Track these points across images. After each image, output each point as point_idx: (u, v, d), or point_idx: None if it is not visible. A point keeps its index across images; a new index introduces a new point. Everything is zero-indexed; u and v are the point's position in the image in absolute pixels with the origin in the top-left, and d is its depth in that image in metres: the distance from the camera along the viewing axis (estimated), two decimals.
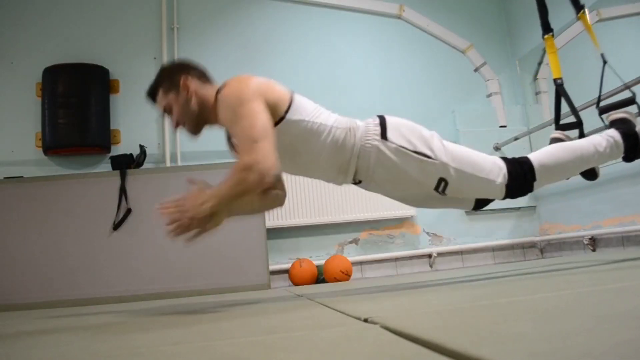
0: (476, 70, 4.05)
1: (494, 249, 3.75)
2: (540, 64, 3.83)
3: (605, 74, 1.94)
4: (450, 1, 4.13)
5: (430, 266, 3.65)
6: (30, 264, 2.83)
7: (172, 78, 1.51)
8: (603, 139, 1.62)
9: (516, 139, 3.65)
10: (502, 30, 4.17)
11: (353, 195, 3.51)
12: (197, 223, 1.32)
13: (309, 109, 1.47)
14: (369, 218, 3.54)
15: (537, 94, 3.91)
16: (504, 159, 1.57)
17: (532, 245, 3.80)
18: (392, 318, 0.82)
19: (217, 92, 1.48)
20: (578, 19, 2.03)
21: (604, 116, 1.80)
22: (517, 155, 1.62)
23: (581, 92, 2.06)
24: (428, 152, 1.47)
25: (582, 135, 1.85)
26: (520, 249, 3.79)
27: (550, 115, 2.07)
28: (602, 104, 1.87)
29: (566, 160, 1.57)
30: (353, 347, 0.63)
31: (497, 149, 3.79)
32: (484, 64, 4.04)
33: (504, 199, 1.56)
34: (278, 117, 1.41)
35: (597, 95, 1.95)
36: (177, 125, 1.53)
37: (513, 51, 4.10)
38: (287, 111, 1.42)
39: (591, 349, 0.45)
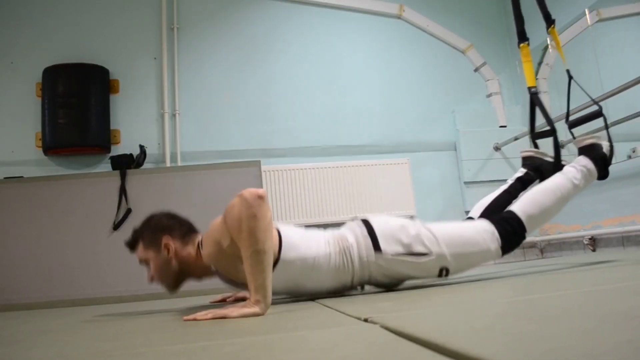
0: (476, 70, 4.05)
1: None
2: (540, 64, 3.83)
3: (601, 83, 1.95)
4: (450, 1, 4.13)
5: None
6: (30, 264, 2.83)
7: (154, 235, 1.50)
8: (577, 171, 1.69)
9: (516, 139, 3.65)
10: (502, 30, 4.17)
11: (353, 195, 3.51)
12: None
13: (299, 243, 1.44)
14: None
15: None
16: (491, 220, 1.59)
17: (532, 245, 3.80)
18: (392, 318, 0.82)
19: (199, 246, 1.48)
20: (548, 33, 2.04)
21: (575, 139, 1.84)
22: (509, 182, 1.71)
23: (581, 92, 2.06)
24: (422, 250, 1.49)
25: (556, 143, 1.86)
26: (520, 248, 3.79)
27: (550, 115, 2.07)
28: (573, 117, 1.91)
29: (549, 204, 1.63)
30: (353, 347, 0.63)
31: (497, 149, 3.80)
32: (484, 64, 4.04)
33: (501, 257, 1.60)
34: (274, 259, 1.35)
35: (591, 95, 1.96)
36: (151, 280, 1.52)
37: (513, 51, 4.10)
38: (279, 251, 1.40)
39: (591, 349, 0.45)
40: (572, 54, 3.24)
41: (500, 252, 1.56)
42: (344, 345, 0.64)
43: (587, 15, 3.14)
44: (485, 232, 1.55)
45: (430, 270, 1.51)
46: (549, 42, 3.48)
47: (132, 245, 1.54)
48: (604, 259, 2.05)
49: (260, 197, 1.21)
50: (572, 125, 1.89)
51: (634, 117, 2.59)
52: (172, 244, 1.49)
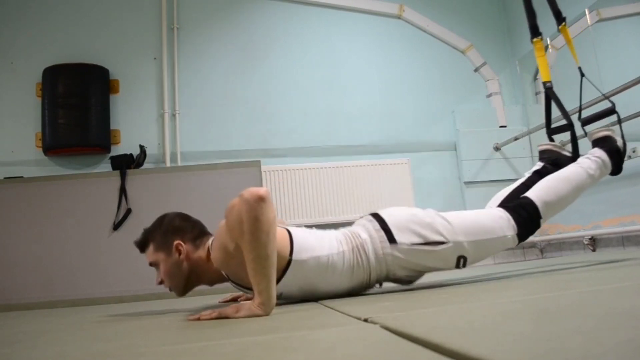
0: (476, 70, 4.05)
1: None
2: None
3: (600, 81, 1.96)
4: (450, 1, 4.13)
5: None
6: (30, 264, 2.83)
7: (165, 238, 1.47)
8: (592, 162, 1.68)
9: (516, 139, 3.65)
10: (502, 30, 4.17)
11: (353, 195, 3.51)
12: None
13: (311, 243, 1.41)
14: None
15: (537, 94, 3.91)
16: (506, 207, 1.58)
17: (532, 245, 3.80)
18: (392, 318, 0.82)
19: (209, 249, 1.46)
20: (559, 31, 2.03)
21: (588, 131, 1.85)
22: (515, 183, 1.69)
23: (583, 91, 2.06)
24: (439, 238, 1.45)
25: (574, 137, 1.86)
26: (520, 249, 3.79)
27: (555, 111, 2.06)
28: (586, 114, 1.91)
29: (565, 192, 1.62)
30: (353, 347, 0.63)
31: (497, 149, 3.80)
32: (484, 64, 4.04)
33: (517, 244, 1.58)
34: (285, 260, 1.34)
35: (595, 94, 1.96)
36: (161, 283, 1.49)
37: (513, 51, 4.10)
38: (291, 252, 1.36)
39: (591, 349, 0.45)
40: (569, 54, 3.24)
41: (516, 239, 1.54)
42: (344, 345, 0.64)
43: (587, 15, 3.14)
44: (500, 219, 1.53)
45: (448, 259, 1.47)
46: (549, 42, 3.47)
47: (142, 246, 1.51)
48: (604, 259, 2.05)
49: (262, 198, 1.16)
50: (585, 122, 1.88)
51: (634, 117, 2.59)
52: (183, 247, 1.46)
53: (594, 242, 3.20)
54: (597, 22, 3.15)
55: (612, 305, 0.73)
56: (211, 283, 1.53)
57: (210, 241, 1.48)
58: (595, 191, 3.11)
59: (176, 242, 1.46)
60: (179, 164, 3.44)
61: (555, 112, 2.03)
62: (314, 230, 1.51)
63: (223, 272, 1.45)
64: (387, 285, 1.94)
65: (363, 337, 0.71)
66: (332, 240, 1.45)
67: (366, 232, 1.49)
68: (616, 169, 1.73)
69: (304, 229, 1.49)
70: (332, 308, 1.16)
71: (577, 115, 1.96)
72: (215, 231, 1.41)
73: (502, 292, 1.20)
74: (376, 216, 1.52)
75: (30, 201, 2.91)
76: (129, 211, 2.94)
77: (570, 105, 2.02)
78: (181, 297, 1.53)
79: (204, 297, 2.48)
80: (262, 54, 3.75)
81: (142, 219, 2.96)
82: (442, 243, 1.45)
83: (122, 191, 2.97)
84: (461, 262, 1.49)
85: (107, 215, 2.93)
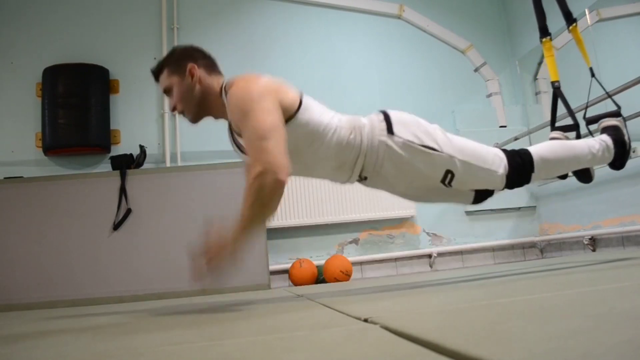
0: (476, 70, 4.05)
1: (494, 249, 3.75)
2: (540, 64, 3.83)
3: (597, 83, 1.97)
4: (450, 1, 4.13)
5: (430, 266, 3.65)
6: (30, 264, 2.83)
7: (179, 62, 1.50)
8: (596, 142, 1.69)
9: (516, 139, 3.64)
10: (502, 30, 4.17)
11: (353, 195, 3.51)
12: (222, 267, 1.28)
13: (316, 110, 1.45)
14: (369, 218, 3.54)
15: (537, 94, 3.91)
16: (504, 150, 1.60)
17: (532, 245, 3.80)
18: (392, 318, 0.82)
19: (223, 89, 1.47)
20: (569, 31, 2.04)
21: (592, 130, 1.88)
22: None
23: (582, 91, 2.06)
24: (434, 145, 1.48)
25: (578, 137, 1.89)
26: (520, 249, 3.79)
27: (550, 115, 2.07)
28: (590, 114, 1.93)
29: (563, 156, 1.63)
30: (353, 347, 0.63)
31: None
32: (484, 64, 4.04)
33: (502, 189, 1.59)
34: (287, 116, 1.38)
35: (597, 94, 1.97)
36: (174, 109, 1.51)
37: (513, 51, 4.10)
38: (296, 111, 1.39)
39: (591, 349, 0.45)
40: (572, 54, 3.24)
41: (504, 180, 1.55)
42: (344, 345, 0.65)
43: (587, 15, 3.14)
44: (496, 156, 1.56)
45: (436, 168, 1.49)
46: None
47: (157, 72, 1.53)
48: (604, 259, 2.05)
49: (280, 190, 1.26)
50: (590, 122, 1.90)
51: (634, 117, 2.59)
52: (197, 70, 1.49)
53: (594, 242, 3.20)
54: (597, 22, 3.15)
55: (612, 305, 0.73)
56: (217, 116, 1.55)
57: (223, 80, 1.52)
58: (596, 191, 3.12)
59: (190, 64, 1.49)
60: (179, 164, 3.44)
61: (558, 111, 2.04)
62: (323, 105, 1.52)
63: (228, 126, 1.51)
64: (387, 285, 1.94)
65: (363, 337, 0.71)
66: (333, 116, 1.49)
67: (368, 119, 1.52)
68: (619, 163, 1.73)
69: (313, 100, 1.50)
70: (332, 308, 1.16)
71: (581, 114, 1.97)
72: (236, 95, 1.40)
73: (502, 292, 1.20)
74: (384, 112, 1.55)
75: (30, 201, 2.91)
76: (129, 211, 2.94)
77: (571, 105, 2.02)
78: (193, 122, 1.54)
79: (206, 297, 2.48)
80: (262, 54, 3.75)
81: (142, 219, 2.98)
82: (436, 150, 1.48)
83: (122, 191, 2.97)
84: (448, 177, 1.51)
85: (107, 215, 2.93)
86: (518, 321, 0.69)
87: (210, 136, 3.58)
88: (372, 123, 1.50)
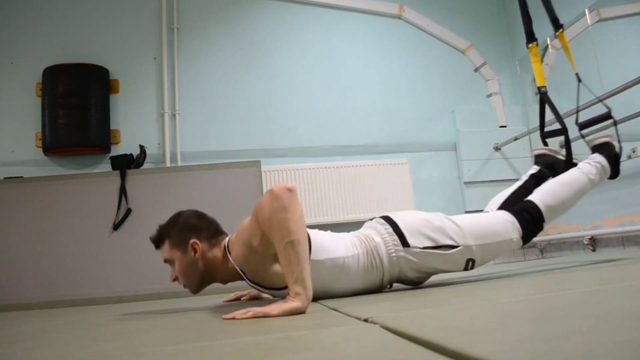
0: (476, 70, 4.05)
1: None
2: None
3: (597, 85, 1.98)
4: (450, 1, 4.13)
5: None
6: (30, 264, 2.83)
7: (181, 235, 1.47)
8: (592, 167, 1.74)
9: (516, 139, 3.65)
10: (502, 30, 4.17)
11: (353, 195, 3.51)
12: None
13: (327, 245, 1.44)
14: (369, 218, 3.53)
15: (537, 94, 3.91)
16: (511, 211, 1.62)
17: (532, 245, 3.80)
18: (392, 318, 0.82)
19: (226, 248, 1.46)
20: (556, 37, 2.05)
21: (587, 138, 1.89)
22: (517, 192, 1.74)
23: (582, 92, 2.06)
24: (450, 242, 1.50)
25: (567, 141, 1.89)
26: (520, 249, 3.79)
27: (549, 115, 2.07)
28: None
29: (567, 196, 1.67)
30: (353, 347, 0.63)
31: (497, 149, 3.80)
32: (484, 64, 4.04)
33: (521, 247, 1.64)
34: None
35: (592, 95, 1.98)
36: (175, 279, 1.51)
37: (513, 51, 4.10)
38: (309, 252, 1.34)
39: (591, 349, 0.45)
40: (572, 53, 3.24)
41: (521, 241, 1.60)
42: (344, 345, 0.64)
43: (587, 15, 3.14)
44: (506, 222, 1.58)
45: (457, 262, 1.52)
46: (549, 42, 3.48)
47: (157, 242, 1.52)
48: (604, 259, 2.05)
49: (290, 190, 1.20)
50: (582, 126, 1.93)
51: (634, 117, 2.59)
52: (199, 245, 1.46)
53: (594, 242, 3.20)
54: (597, 22, 3.15)
55: (612, 305, 0.73)
56: (225, 281, 1.54)
57: (226, 240, 1.49)
58: (596, 191, 3.10)
59: (192, 240, 1.46)
60: (179, 164, 3.44)
61: (549, 115, 2.04)
62: (329, 232, 1.53)
63: (240, 271, 1.45)
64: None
65: (363, 337, 0.71)
66: (346, 243, 1.48)
67: (379, 235, 1.52)
68: (614, 173, 1.79)
69: (318, 230, 1.51)
70: (332, 308, 1.16)
71: (572, 118, 1.97)
72: (236, 230, 1.42)
73: (502, 292, 1.20)
74: (388, 219, 1.55)
75: (30, 201, 2.91)
76: (129, 211, 2.94)
77: (571, 105, 2.02)
78: (195, 294, 1.54)
79: (206, 297, 2.48)
80: (262, 54, 3.75)
81: (142, 219, 2.98)
82: (452, 247, 1.49)
83: (122, 191, 2.97)
84: (469, 264, 1.54)
85: (107, 215, 2.93)
86: (518, 321, 0.68)
87: (210, 136, 3.58)
88: (384, 240, 1.51)
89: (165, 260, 1.51)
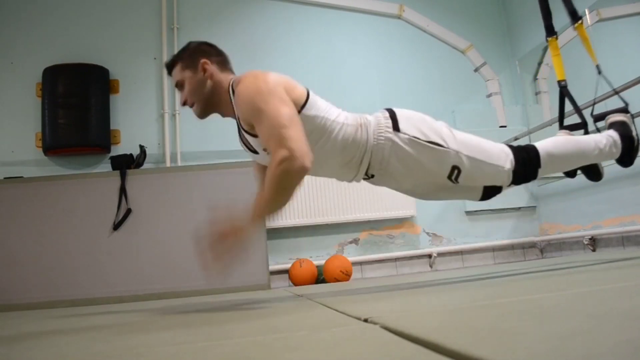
0: (476, 70, 4.05)
1: (494, 249, 3.75)
2: (540, 64, 3.83)
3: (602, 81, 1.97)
4: (450, 1, 4.13)
5: (430, 266, 3.65)
6: (30, 264, 2.83)
7: (193, 56, 1.52)
8: (603, 137, 1.68)
9: (516, 139, 3.64)
10: (502, 30, 4.17)
11: (353, 195, 3.51)
12: (232, 253, 1.28)
13: (322, 106, 1.47)
14: (369, 218, 3.54)
15: (537, 94, 3.91)
16: (510, 146, 1.60)
17: (532, 246, 3.80)
18: (392, 318, 0.82)
19: (230, 86, 1.49)
20: (575, 29, 2.04)
21: (599, 127, 1.87)
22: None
23: (584, 90, 2.06)
24: (440, 141, 1.49)
25: (587, 135, 1.88)
26: (520, 249, 3.79)
27: (550, 115, 2.09)
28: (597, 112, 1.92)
29: (569, 151, 1.62)
30: (353, 347, 0.63)
31: None
32: (484, 64, 4.04)
33: (510, 185, 1.59)
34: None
35: (594, 95, 1.97)
36: (184, 103, 1.54)
37: (513, 51, 4.10)
38: (303, 106, 1.41)
39: (591, 349, 0.45)
40: (572, 54, 3.24)
41: (511, 176, 1.55)
42: (344, 345, 0.65)
43: (587, 15, 3.14)
44: (502, 151, 1.56)
45: (442, 164, 1.49)
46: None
47: (170, 65, 1.56)
48: (604, 259, 2.05)
49: (305, 170, 1.28)
50: (597, 119, 1.90)
51: (634, 117, 2.59)
52: (209, 66, 1.51)
53: (594, 242, 3.20)
54: (597, 22, 3.15)
55: (612, 305, 0.73)
56: (225, 114, 1.57)
57: (232, 77, 1.53)
58: (596, 191, 3.12)
59: (203, 60, 1.51)
60: (179, 164, 3.44)
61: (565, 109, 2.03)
62: (329, 102, 1.54)
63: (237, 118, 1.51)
64: (387, 285, 1.94)
65: (363, 337, 0.71)
66: (340, 113, 1.51)
67: (374, 116, 1.54)
68: (627, 158, 1.71)
69: (319, 96, 1.52)
70: (332, 308, 1.16)
71: (588, 110, 1.96)
72: (242, 78, 1.43)
73: (502, 292, 1.20)
74: (389, 110, 1.57)
75: (30, 201, 2.91)
76: (129, 211, 2.94)
77: (581, 99, 2.01)
78: (201, 117, 1.57)
79: (206, 297, 2.48)
80: (262, 54, 3.75)
81: (142, 219, 2.98)
82: (442, 146, 1.48)
83: (122, 191, 2.97)
84: (455, 172, 1.51)
85: (107, 215, 2.93)
86: (518, 321, 0.69)
87: (210, 136, 3.58)
88: (377, 120, 1.51)
89: (177, 84, 1.55)
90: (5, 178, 3.04)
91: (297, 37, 3.84)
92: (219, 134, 3.59)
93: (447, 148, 1.48)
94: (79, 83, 3.29)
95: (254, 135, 1.42)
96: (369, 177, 1.58)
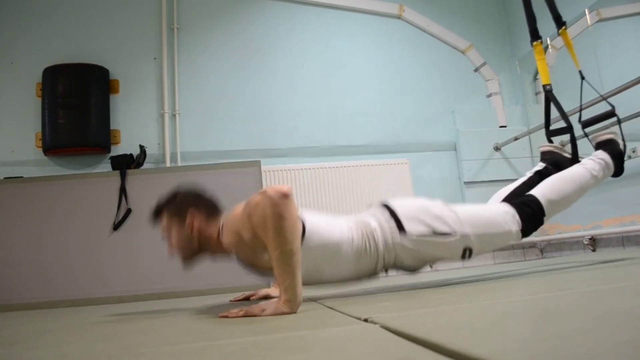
0: (476, 70, 4.05)
1: (494, 249, 3.75)
2: None
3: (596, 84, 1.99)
4: (450, 1, 4.13)
5: (431, 266, 3.64)
6: (30, 264, 2.83)
7: (180, 208, 1.48)
8: (596, 163, 1.72)
9: (516, 139, 3.65)
10: (502, 30, 4.17)
11: (353, 195, 3.51)
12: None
13: (322, 228, 1.41)
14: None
15: (537, 94, 3.91)
16: (511, 203, 1.61)
17: (532, 245, 3.80)
18: (392, 318, 0.82)
19: (220, 230, 1.46)
20: (559, 34, 2.05)
21: (590, 136, 1.88)
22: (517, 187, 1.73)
23: (584, 90, 2.06)
24: (447, 230, 1.48)
25: (573, 139, 1.89)
26: (520, 249, 3.79)
27: (550, 115, 2.07)
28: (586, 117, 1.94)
29: (569, 192, 1.65)
30: (353, 347, 0.63)
31: (497, 149, 3.80)
32: (484, 64, 4.04)
33: (520, 240, 1.62)
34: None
35: (594, 95, 1.98)
36: (171, 252, 1.51)
37: (513, 51, 4.10)
38: (302, 238, 1.34)
39: (591, 349, 0.45)
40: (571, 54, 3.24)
41: (520, 234, 1.57)
42: (344, 345, 0.64)
43: (587, 15, 3.14)
44: (506, 214, 1.56)
45: (454, 250, 1.50)
46: (549, 42, 3.47)
47: (156, 215, 1.52)
48: (604, 259, 2.05)
49: (286, 196, 1.17)
50: (586, 124, 1.92)
51: (634, 117, 2.59)
52: (196, 221, 1.47)
53: (594, 242, 3.20)
54: (597, 22, 3.15)
55: (612, 305, 0.73)
56: (215, 259, 1.55)
57: (221, 221, 1.49)
58: (596, 191, 3.10)
59: (189, 217, 1.46)
60: (179, 164, 3.44)
61: (554, 113, 2.04)
62: (326, 215, 1.51)
63: (232, 253, 1.46)
64: (387, 285, 1.94)
65: (363, 337, 0.71)
66: (342, 227, 1.47)
67: (376, 221, 1.51)
68: (618, 171, 1.77)
69: (315, 212, 1.50)
70: (332, 308, 1.16)
71: (576, 117, 1.97)
72: (230, 215, 1.40)
73: (502, 292, 1.20)
74: (386, 206, 1.55)
75: (30, 201, 2.91)
76: (129, 211, 2.94)
77: (571, 105, 2.02)
78: (187, 267, 1.55)
79: (206, 297, 2.48)
80: (262, 54, 3.75)
81: (142, 219, 2.96)
82: (449, 234, 1.48)
83: (122, 191, 2.97)
84: (467, 253, 1.52)
85: (107, 215, 2.93)
86: (518, 321, 0.69)
87: (210, 136, 3.58)
88: (381, 225, 1.49)
89: (163, 234, 1.52)
90: (5, 178, 3.04)
91: (297, 37, 3.84)
92: (219, 134, 3.59)
93: (455, 234, 1.48)
94: (79, 83, 3.28)
95: (251, 266, 1.43)
96: (387, 272, 1.60)
